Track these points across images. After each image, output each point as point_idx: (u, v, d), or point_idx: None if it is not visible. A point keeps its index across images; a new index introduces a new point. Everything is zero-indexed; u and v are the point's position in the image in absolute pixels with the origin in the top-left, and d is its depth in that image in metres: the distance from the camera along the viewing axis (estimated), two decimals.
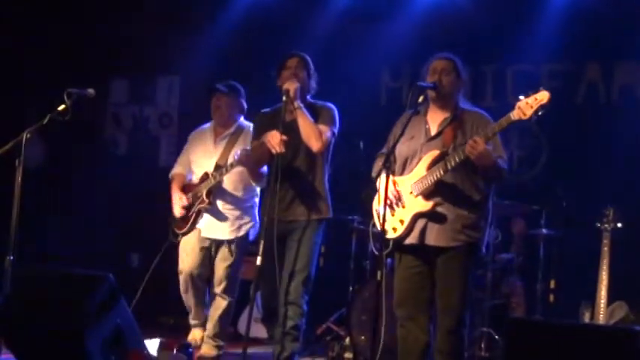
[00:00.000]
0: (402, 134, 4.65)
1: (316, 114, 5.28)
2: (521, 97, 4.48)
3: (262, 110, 5.52)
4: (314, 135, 5.16)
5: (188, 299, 6.21)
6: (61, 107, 5.22)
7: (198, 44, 8.50)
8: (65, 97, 5.21)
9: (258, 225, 6.09)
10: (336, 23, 8.07)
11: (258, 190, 6.10)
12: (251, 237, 6.13)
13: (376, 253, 4.94)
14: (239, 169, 5.81)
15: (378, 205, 4.85)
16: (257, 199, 6.15)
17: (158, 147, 9.08)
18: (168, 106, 9.17)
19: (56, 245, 8.13)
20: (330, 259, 7.16)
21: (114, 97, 9.36)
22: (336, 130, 5.32)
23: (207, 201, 6.00)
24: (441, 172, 4.63)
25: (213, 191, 6.02)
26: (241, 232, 6.07)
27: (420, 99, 4.73)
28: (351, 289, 6.80)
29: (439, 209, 4.69)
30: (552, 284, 6.63)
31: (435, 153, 4.70)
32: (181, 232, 6.16)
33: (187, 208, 6.11)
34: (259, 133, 5.38)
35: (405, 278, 4.83)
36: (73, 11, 8.96)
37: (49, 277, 4.82)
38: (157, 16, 8.73)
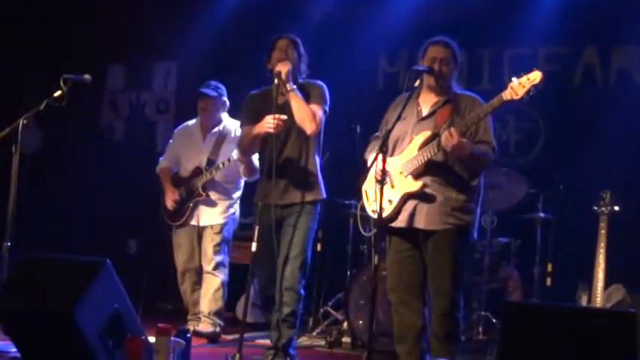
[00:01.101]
0: (399, 118, 4.64)
1: (306, 93, 5.25)
2: (514, 78, 4.47)
3: (252, 92, 5.49)
4: (308, 117, 5.13)
5: (184, 290, 6.43)
6: (58, 93, 5.21)
7: (195, 30, 8.48)
8: (61, 83, 5.20)
9: (239, 210, 6.44)
10: (332, 8, 8.04)
11: (243, 181, 6.33)
12: (236, 222, 6.45)
13: (364, 233, 4.95)
14: (230, 163, 6.08)
15: (367, 186, 4.86)
16: (241, 192, 6.43)
17: (155, 133, 9.07)
18: (165, 92, 9.15)
19: (54, 231, 8.11)
20: (328, 244, 7.17)
21: (110, 83, 9.34)
22: (327, 109, 5.28)
23: (204, 195, 6.26)
24: (433, 152, 4.63)
25: (207, 184, 6.27)
26: (227, 218, 6.33)
27: (417, 83, 4.73)
28: (348, 273, 6.80)
29: (428, 190, 4.69)
30: (549, 268, 6.64)
31: (427, 134, 4.70)
32: (176, 224, 6.38)
33: (181, 202, 6.32)
34: (249, 114, 5.36)
35: (396, 262, 4.84)
36: (76, 6, 8.94)
37: (47, 264, 4.81)
38: (154, 2, 8.70)
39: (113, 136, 9.30)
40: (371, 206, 4.86)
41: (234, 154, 5.92)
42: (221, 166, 6.14)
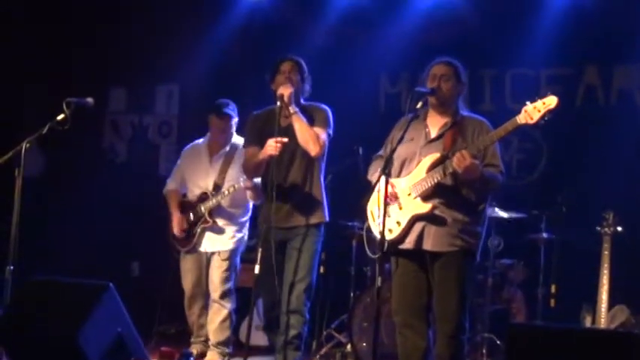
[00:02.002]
0: (401, 139, 4.65)
1: (310, 116, 5.27)
2: (528, 103, 4.47)
3: (254, 112, 5.51)
4: (311, 139, 5.15)
5: (190, 315, 6.41)
6: (61, 116, 5.23)
7: (197, 53, 8.50)
8: (64, 107, 5.22)
9: (248, 234, 6.39)
10: (333, 30, 8.07)
11: (251, 204, 6.30)
12: (244, 246, 6.39)
13: (370, 255, 4.94)
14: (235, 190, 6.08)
15: (373, 206, 4.86)
16: (249, 215, 6.38)
17: (157, 156, 9.07)
18: (167, 115, 9.16)
19: (56, 255, 8.11)
20: (331, 266, 7.16)
21: (112, 105, 9.35)
22: (331, 132, 5.31)
23: (210, 222, 6.23)
24: (441, 175, 4.63)
25: (214, 210, 6.24)
26: (235, 244, 6.28)
27: (419, 105, 4.73)
28: (352, 295, 6.79)
29: (437, 212, 4.69)
30: (553, 289, 6.62)
31: (436, 156, 4.70)
32: (184, 249, 6.36)
33: (188, 227, 6.31)
34: (252, 135, 5.40)
35: (402, 285, 4.83)
36: (71, 20, 8.96)
37: (50, 287, 4.83)
38: (156, 25, 8.73)
39: (116, 158, 9.31)
40: (378, 227, 4.84)
41: (241, 180, 5.92)
42: (226, 192, 6.12)
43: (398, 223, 4.75)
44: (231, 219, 6.27)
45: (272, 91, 5.28)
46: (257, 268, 5.07)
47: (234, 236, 6.26)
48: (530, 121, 4.44)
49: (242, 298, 6.37)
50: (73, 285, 4.82)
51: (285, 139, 5.09)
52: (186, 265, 6.35)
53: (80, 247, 8.41)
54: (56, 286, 4.81)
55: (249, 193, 6.01)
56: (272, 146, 5.08)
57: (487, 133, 4.69)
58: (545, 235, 6.60)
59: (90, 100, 5.40)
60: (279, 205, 5.19)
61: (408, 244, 4.74)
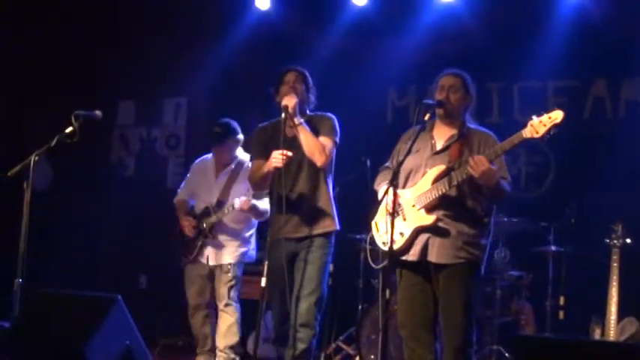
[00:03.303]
0: (409, 151, 4.65)
1: (316, 126, 5.26)
2: (534, 117, 4.47)
3: (260, 125, 5.52)
4: (317, 150, 5.14)
5: (195, 325, 6.43)
6: (69, 129, 5.24)
7: (205, 66, 8.53)
8: (73, 120, 5.23)
9: (255, 248, 6.44)
10: (341, 42, 8.08)
11: (257, 221, 6.37)
12: (249, 259, 6.41)
13: (373, 266, 4.93)
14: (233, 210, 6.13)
15: (377, 217, 4.86)
16: (254, 229, 6.43)
17: (165, 168, 9.09)
18: (175, 128, 9.18)
19: (65, 268, 8.12)
20: (339, 278, 7.14)
21: (121, 118, 9.38)
22: (337, 140, 5.30)
23: (210, 236, 6.29)
24: (446, 187, 4.63)
25: (215, 226, 6.29)
26: (238, 259, 6.33)
27: (426, 117, 4.74)
28: (360, 307, 6.79)
29: (441, 224, 4.68)
30: (562, 301, 6.60)
31: (441, 167, 4.70)
32: (188, 260, 6.41)
33: (194, 237, 6.35)
34: (258, 148, 5.40)
35: (407, 296, 4.82)
36: (79, 33, 9.01)
37: (58, 300, 4.83)
38: (164, 38, 8.77)
39: (124, 171, 9.33)
40: (381, 238, 4.86)
41: (236, 202, 5.98)
42: (226, 211, 6.18)
43: (401, 234, 4.74)
44: (234, 235, 6.32)
45: (277, 103, 5.26)
46: (263, 281, 5.04)
47: (236, 250, 6.30)
48: (536, 135, 4.45)
49: (249, 311, 6.37)
50: (81, 297, 4.82)
51: (290, 153, 5.08)
52: (190, 276, 6.41)
53: (88, 260, 8.43)
54: (64, 299, 4.82)
55: (252, 215, 6.16)
56: (277, 158, 5.08)
57: (493, 146, 4.69)
58: (553, 247, 6.58)
59: (98, 113, 5.42)
60: (287, 216, 5.18)
61: (412, 255, 4.74)
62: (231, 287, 6.25)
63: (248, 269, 6.52)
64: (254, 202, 5.99)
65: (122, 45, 8.94)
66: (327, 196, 5.29)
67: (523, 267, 6.80)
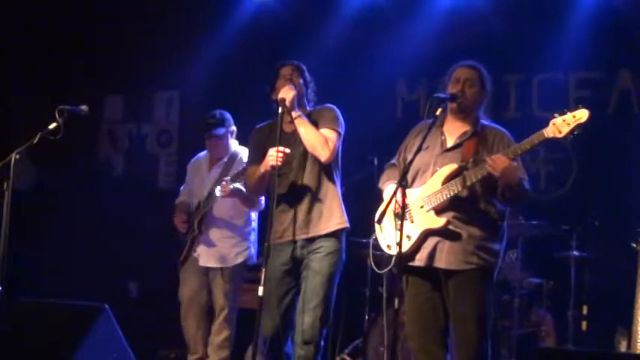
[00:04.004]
0: (419, 149, 4.64)
1: (316, 120, 5.23)
2: (557, 115, 4.46)
3: (257, 126, 5.50)
4: (319, 144, 5.10)
5: (187, 327, 6.41)
6: (53, 125, 5.24)
7: (199, 56, 8.53)
8: (57, 115, 5.24)
9: (256, 249, 6.37)
10: (346, 32, 8.08)
11: (255, 214, 6.33)
12: (251, 261, 6.36)
13: (377, 271, 4.92)
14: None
15: (379, 218, 4.84)
16: (255, 224, 6.39)
17: (157, 167, 9.09)
18: (167, 124, 9.19)
19: (48, 274, 8.14)
20: (344, 286, 7.12)
21: (108, 114, 9.39)
22: (342, 131, 5.25)
23: (197, 231, 6.27)
24: (458, 187, 4.62)
25: (204, 221, 6.28)
26: (238, 260, 6.28)
27: (438, 112, 4.72)
28: (366, 317, 6.79)
29: (452, 227, 4.67)
30: (585, 310, 6.61)
31: (453, 166, 4.69)
32: (180, 259, 6.42)
33: (184, 235, 6.36)
34: (255, 151, 5.34)
35: (415, 306, 4.80)
36: (65, 23, 9.01)
37: (39, 310, 4.83)
38: (154, 28, 8.77)
39: (112, 171, 9.33)
40: (385, 241, 4.84)
41: (217, 190, 5.93)
42: (212, 201, 6.15)
43: (408, 237, 4.72)
44: (229, 230, 6.28)
45: (273, 102, 5.21)
46: (261, 290, 5.00)
47: (234, 252, 6.26)
48: (559, 135, 4.44)
49: (245, 321, 6.36)
50: (65, 306, 4.83)
51: (288, 150, 5.05)
52: (183, 275, 6.41)
53: (74, 266, 8.44)
54: (48, 308, 4.82)
55: (240, 202, 6.10)
56: (273, 156, 5.02)
57: (508, 145, 4.69)
58: (576, 252, 6.58)
59: (84, 107, 5.42)
60: (290, 217, 5.15)
61: (419, 261, 4.72)
62: (230, 295, 6.23)
63: (245, 276, 6.49)
64: (236, 185, 5.88)
65: (109, 35, 8.94)
66: (335, 193, 5.24)
67: (543, 274, 6.80)
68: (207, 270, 6.32)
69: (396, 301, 4.57)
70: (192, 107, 8.75)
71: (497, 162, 4.48)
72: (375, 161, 6.78)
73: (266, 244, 5.08)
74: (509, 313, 6.51)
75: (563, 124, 4.44)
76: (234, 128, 6.43)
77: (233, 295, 6.27)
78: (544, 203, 7.12)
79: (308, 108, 5.34)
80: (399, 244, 4.49)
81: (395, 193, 4.57)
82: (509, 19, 7.60)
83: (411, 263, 4.75)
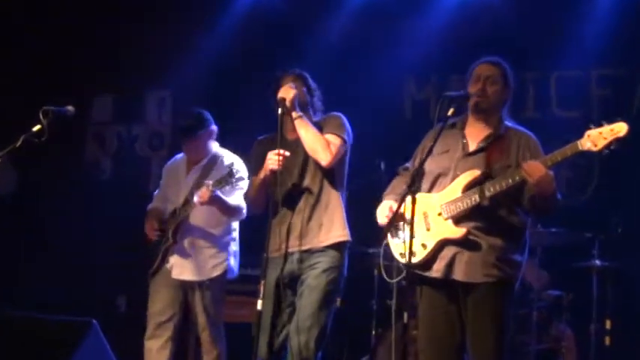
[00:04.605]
0: (430, 151, 4.61)
1: (321, 127, 5.21)
2: (592, 126, 4.42)
3: (259, 138, 5.47)
4: (321, 146, 5.08)
5: (149, 347, 6.08)
6: (36, 127, 5.22)
7: (192, 53, 8.53)
8: (41, 116, 5.22)
9: (237, 260, 6.20)
10: (350, 27, 8.08)
11: (235, 223, 6.18)
12: (231, 274, 6.17)
13: (388, 280, 4.90)
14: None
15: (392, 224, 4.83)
16: (235, 234, 6.22)
17: (148, 171, 9.08)
18: (159, 125, 9.20)
19: (32, 285, 8.13)
20: (349, 299, 7.13)
21: (96, 115, 9.39)
22: (347, 138, 5.23)
23: (171, 241, 6.10)
24: (481, 195, 4.57)
25: (180, 229, 6.10)
26: (216, 272, 6.09)
27: (450, 112, 4.69)
28: (373, 333, 6.78)
29: (471, 237, 4.63)
30: (608, 324, 6.60)
31: (476, 173, 4.63)
32: (150, 271, 6.22)
33: (156, 244, 6.19)
34: (257, 161, 5.30)
35: (429, 322, 4.75)
36: (49, 18, 9.01)
37: (26, 324, 4.83)
38: (145, 23, 8.77)
39: (100, 175, 9.33)
40: (398, 248, 4.82)
41: (195, 197, 5.78)
42: (189, 209, 5.98)
43: (423, 245, 4.69)
44: (206, 240, 6.11)
45: (279, 116, 5.11)
46: (259, 304, 4.98)
47: (212, 261, 6.09)
48: (594, 149, 4.36)
49: (243, 336, 6.35)
50: (51, 322, 4.82)
51: (287, 153, 5.04)
52: (154, 288, 6.19)
53: (59, 279, 8.43)
54: (33, 323, 4.82)
55: (220, 211, 5.94)
56: (272, 159, 5.02)
57: (534, 150, 4.64)
58: (598, 261, 6.58)
59: (70, 108, 5.40)
60: (288, 227, 5.15)
61: (436, 272, 4.68)
62: (214, 312, 6.05)
63: (243, 289, 6.46)
64: (218, 193, 5.74)
65: (97, 32, 8.94)
66: (337, 204, 5.22)
67: (563, 285, 6.80)
68: (180, 283, 6.12)
69: (406, 315, 4.55)
70: (185, 107, 8.73)
71: (534, 169, 4.42)
72: (382, 165, 6.77)
73: (265, 255, 5.08)
74: (527, 327, 6.50)
75: (599, 137, 4.35)
76: (214, 128, 6.26)
77: (214, 311, 6.06)
78: (564, 210, 7.02)
79: (315, 118, 5.32)
80: (409, 254, 4.47)
81: (403, 199, 4.54)
82: (525, 12, 7.60)
83: (426, 273, 4.72)
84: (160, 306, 6.11)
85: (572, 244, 6.73)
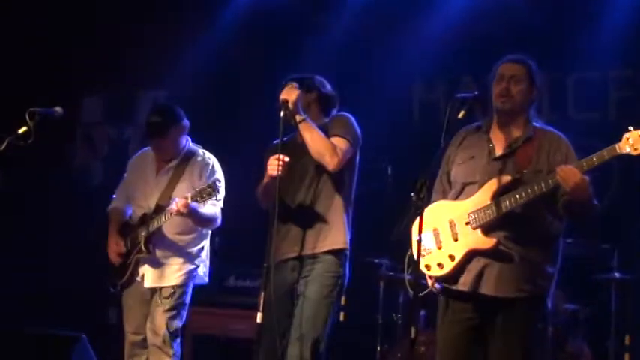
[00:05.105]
0: (441, 155, 4.58)
1: (328, 130, 5.20)
2: (631, 128, 4.36)
3: (273, 142, 5.43)
4: (327, 151, 5.07)
5: None
6: (23, 129, 5.22)
7: (188, 52, 8.53)
8: (27, 117, 5.21)
9: (207, 268, 6.10)
10: (355, 27, 8.08)
11: (208, 231, 6.09)
12: (199, 280, 6.08)
13: (411, 292, 4.84)
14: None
15: (418, 235, 4.79)
16: (207, 241, 6.12)
17: None
18: None
19: (19, 296, 8.12)
20: (353, 312, 7.13)
21: (86, 116, 9.39)
22: (355, 140, 5.22)
23: (145, 251, 5.97)
24: (512, 203, 4.50)
25: (152, 239, 5.98)
26: (183, 280, 5.99)
27: (461, 114, 4.67)
28: (379, 349, 6.77)
29: (502, 248, 4.57)
30: (627, 340, 6.58)
31: (506, 179, 4.58)
32: (120, 282, 6.13)
33: (125, 255, 6.09)
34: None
35: (454, 334, 4.69)
36: (37, 17, 9.01)
37: (12, 339, 4.83)
38: (138, 20, 8.77)
39: (90, 179, 9.33)
40: (424, 260, 4.74)
41: (174, 203, 5.65)
42: (164, 219, 5.85)
43: (451, 257, 4.65)
44: (178, 249, 6.00)
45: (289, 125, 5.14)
46: (259, 316, 4.96)
47: (180, 269, 5.98)
48: (634, 153, 4.28)
49: (241, 354, 6.34)
50: (39, 336, 4.81)
51: (287, 158, 5.02)
52: (127, 302, 6.11)
53: (46, 289, 8.42)
54: (19, 338, 4.81)
55: (194, 223, 5.85)
56: (272, 165, 5.01)
57: (566, 152, 4.59)
58: (617, 273, 6.56)
59: (58, 109, 5.39)
60: (285, 231, 5.13)
61: (463, 285, 4.63)
62: (171, 317, 5.91)
63: (244, 301, 6.43)
64: (195, 206, 5.62)
65: (87, 27, 8.94)
66: (339, 208, 5.20)
67: (580, 299, 6.78)
68: (151, 293, 6.00)
69: (413, 330, 4.52)
70: (181, 108, 8.72)
71: (570, 175, 4.36)
72: (389, 170, 6.76)
73: (265, 265, 5.06)
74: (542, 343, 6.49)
75: (639, 140, 4.32)
76: (185, 123, 6.10)
77: (175, 316, 5.92)
78: None
79: (324, 119, 5.32)
80: (417, 265, 4.46)
81: (413, 209, 4.50)
82: (541, 11, 7.60)
83: (453, 286, 4.67)
84: (133, 325, 6.04)
85: (589, 256, 6.71)
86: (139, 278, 6.03)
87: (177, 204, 5.58)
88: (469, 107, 4.68)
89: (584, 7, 7.47)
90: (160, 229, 5.93)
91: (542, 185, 4.44)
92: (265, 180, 5.14)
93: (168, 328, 5.90)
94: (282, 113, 5.04)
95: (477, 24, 7.65)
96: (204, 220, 5.82)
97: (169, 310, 5.92)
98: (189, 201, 5.54)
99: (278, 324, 5.04)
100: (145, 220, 5.99)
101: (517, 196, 4.50)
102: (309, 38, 7.86)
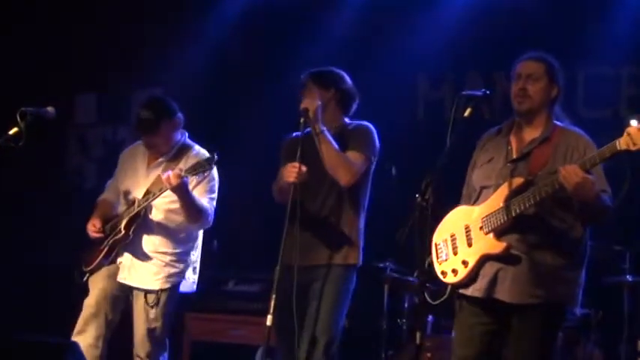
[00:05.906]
0: (448, 156, 4.59)
1: (347, 139, 5.32)
2: (634, 122, 4.36)
3: (293, 134, 5.49)
4: (342, 166, 5.20)
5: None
6: (13, 131, 5.23)
7: (186, 48, 8.54)
8: (18, 118, 5.22)
9: (197, 273, 5.99)
10: (357, 21, 8.09)
11: (200, 232, 5.98)
12: (187, 289, 5.96)
13: (430, 302, 4.84)
14: (175, 198, 5.63)
15: (438, 238, 4.81)
16: (197, 243, 5.99)
17: None
18: None
19: (7, 305, 8.13)
20: (357, 318, 7.13)
21: (79, 116, 9.39)
22: (372, 157, 5.35)
23: (123, 232, 5.79)
24: (524, 205, 4.50)
25: (136, 222, 5.82)
26: (169, 284, 5.84)
27: (467, 113, 4.68)
28: (383, 355, 6.78)
29: (515, 252, 4.57)
30: None
31: (518, 181, 4.58)
32: (88, 269, 6.01)
33: (101, 240, 5.94)
34: (285, 162, 5.38)
35: (467, 339, 4.72)
36: (27, 11, 9.02)
37: (4, 346, 4.84)
38: (133, 15, 8.78)
39: (83, 182, 9.33)
40: (440, 266, 4.77)
41: (164, 175, 5.52)
42: (151, 197, 5.68)
43: (464, 263, 4.67)
44: (164, 242, 5.83)
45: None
46: (269, 319, 4.99)
47: (164, 270, 5.80)
48: (633, 148, 4.27)
49: (241, 357, 6.35)
50: (29, 344, 4.82)
51: (304, 168, 5.09)
52: (92, 284, 5.96)
53: (37, 295, 8.42)
54: (9, 345, 4.82)
55: (182, 209, 5.66)
56: (290, 172, 5.12)
57: (584, 151, 4.59)
58: (629, 276, 6.58)
59: (50, 109, 5.40)
60: (301, 238, 5.18)
61: (477, 290, 4.64)
62: (156, 329, 5.78)
63: (250, 307, 6.41)
64: (187, 181, 5.49)
65: (79, 23, 8.94)
66: (354, 222, 5.34)
67: (591, 302, 6.76)
68: (126, 288, 5.85)
69: (418, 335, 4.54)
70: (178, 107, 8.73)
71: (570, 174, 4.35)
72: (393, 171, 6.77)
73: (277, 267, 5.12)
74: None
75: (639, 134, 4.30)
76: (179, 117, 6.03)
77: (160, 326, 5.78)
78: None
79: (347, 120, 5.47)
80: (420, 267, 4.48)
81: (419, 212, 4.51)
82: (549, 5, 7.60)
83: (467, 292, 4.69)
84: (92, 300, 5.89)
85: (600, 258, 6.67)
86: (117, 263, 5.87)
87: (169, 174, 5.44)
88: (475, 105, 4.71)
89: (596, 3, 7.47)
90: (147, 214, 5.80)
91: (549, 187, 4.44)
92: (281, 182, 5.26)
93: (154, 340, 5.78)
94: (301, 120, 5.16)
95: (484, 19, 7.66)
96: (195, 207, 5.63)
97: (155, 320, 5.78)
98: (183, 173, 5.43)
99: (288, 326, 5.11)
100: (132, 204, 5.84)
101: (526, 199, 4.49)
102: (310, 36, 7.87)
